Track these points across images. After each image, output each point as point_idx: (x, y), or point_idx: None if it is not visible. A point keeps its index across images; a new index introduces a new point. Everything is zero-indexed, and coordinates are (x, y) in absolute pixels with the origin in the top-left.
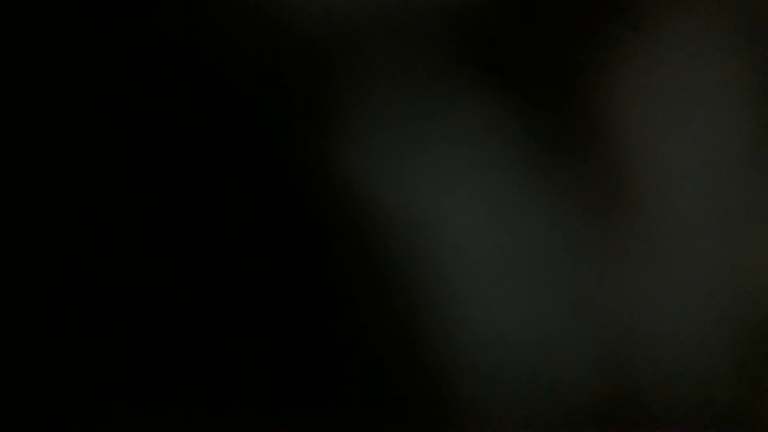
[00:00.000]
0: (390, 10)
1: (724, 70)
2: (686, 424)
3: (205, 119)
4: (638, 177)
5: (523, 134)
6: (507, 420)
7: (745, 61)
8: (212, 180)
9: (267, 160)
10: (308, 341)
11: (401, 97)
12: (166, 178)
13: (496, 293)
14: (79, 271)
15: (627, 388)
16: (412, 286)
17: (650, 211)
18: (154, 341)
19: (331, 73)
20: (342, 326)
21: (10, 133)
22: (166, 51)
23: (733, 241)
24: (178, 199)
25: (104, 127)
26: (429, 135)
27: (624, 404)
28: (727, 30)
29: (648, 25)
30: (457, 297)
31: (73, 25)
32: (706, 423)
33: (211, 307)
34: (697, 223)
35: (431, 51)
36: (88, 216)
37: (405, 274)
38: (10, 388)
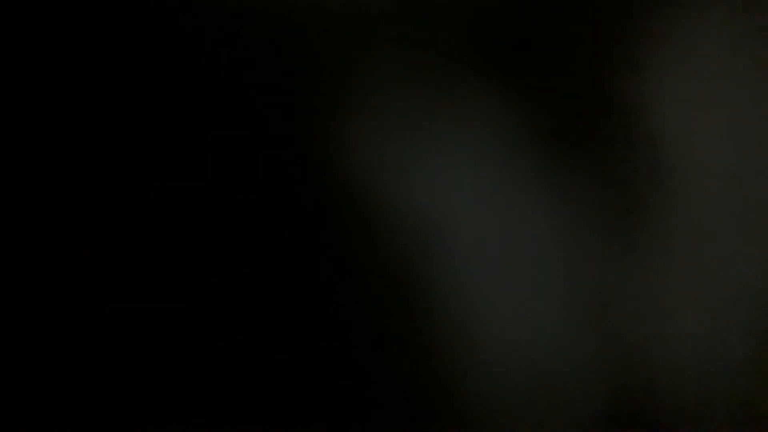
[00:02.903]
0: (394, 10)
1: (724, 70)
2: (688, 425)
3: (209, 119)
4: (644, 175)
5: (529, 133)
6: (509, 420)
7: (745, 60)
8: (217, 181)
9: (272, 159)
10: (312, 340)
11: (406, 96)
12: (168, 179)
13: (502, 292)
14: (82, 272)
15: (629, 388)
16: (416, 285)
17: (655, 209)
18: (157, 343)
19: (335, 73)
20: (346, 325)
21: (11, 133)
22: (170, 52)
23: (733, 240)
24: (182, 199)
25: (110, 127)
26: (435, 134)
27: (627, 405)
28: (727, 29)
29: (651, 23)
30: (461, 296)
31: (77, 24)
32: (707, 423)
33: (216, 306)
34: (703, 222)
35: (436, 51)
36: (93, 216)
37: (410, 273)
38: (9, 388)
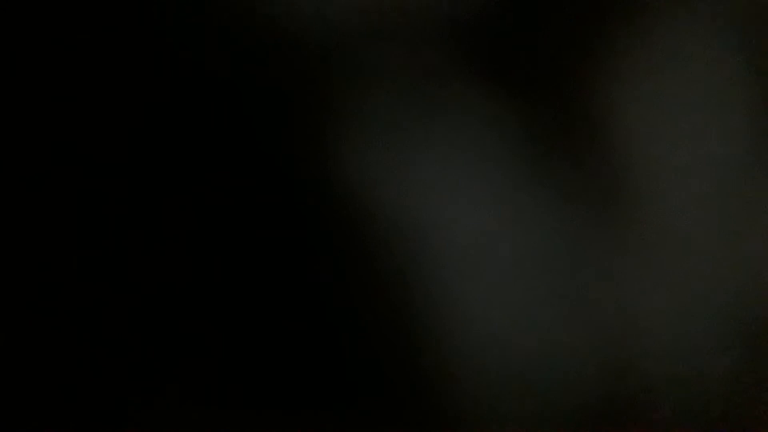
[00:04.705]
0: (389, 13)
1: (723, 71)
2: (687, 425)
3: (202, 123)
4: (639, 177)
5: (523, 135)
6: (507, 420)
7: (745, 61)
8: (211, 184)
9: (267, 164)
10: (309, 342)
11: (401, 100)
12: (162, 183)
13: (497, 293)
14: (82, 270)
15: (627, 388)
16: (412, 287)
17: (652, 212)
18: (155, 341)
19: (330, 77)
20: (343, 327)
21: (11, 133)
22: (163, 54)
23: (732, 241)
24: (177, 202)
25: (103, 128)
26: (429, 137)
27: (624, 404)
28: (727, 30)
29: (648, 25)
30: (457, 297)
31: (74, 25)
32: (706, 423)
33: (212, 309)
34: (697, 223)
35: (431, 54)
36: (93, 217)
37: (405, 275)
38: (8, 387)
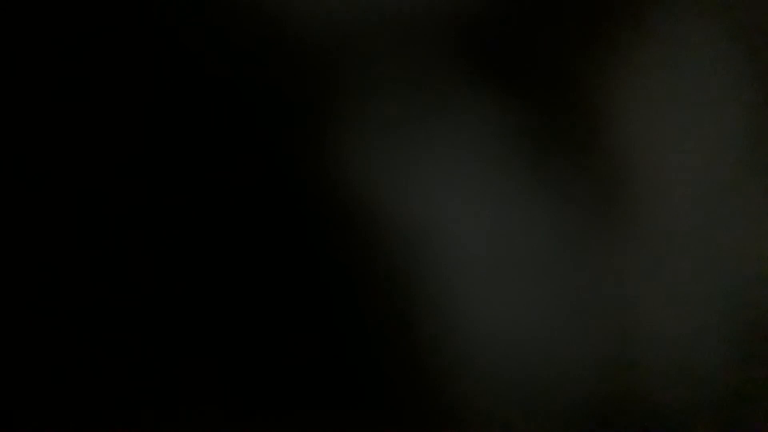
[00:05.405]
0: (391, 15)
1: (723, 71)
2: (686, 424)
3: (206, 125)
4: (639, 178)
5: (524, 136)
6: (507, 420)
7: (745, 61)
8: (214, 186)
9: (267, 164)
10: (309, 342)
11: (403, 101)
12: (163, 183)
13: (497, 293)
14: (82, 270)
15: (627, 388)
16: (412, 287)
17: (651, 212)
18: (156, 341)
19: (332, 78)
20: (343, 327)
21: (11, 133)
22: (166, 56)
23: (732, 241)
24: (178, 202)
25: (103, 128)
26: (430, 138)
27: (624, 404)
28: (727, 30)
29: (648, 25)
30: (457, 297)
31: (74, 25)
32: (706, 423)
33: (212, 309)
34: (696, 224)
35: (432, 55)
36: (93, 217)
37: (406, 275)
38: (8, 387)
